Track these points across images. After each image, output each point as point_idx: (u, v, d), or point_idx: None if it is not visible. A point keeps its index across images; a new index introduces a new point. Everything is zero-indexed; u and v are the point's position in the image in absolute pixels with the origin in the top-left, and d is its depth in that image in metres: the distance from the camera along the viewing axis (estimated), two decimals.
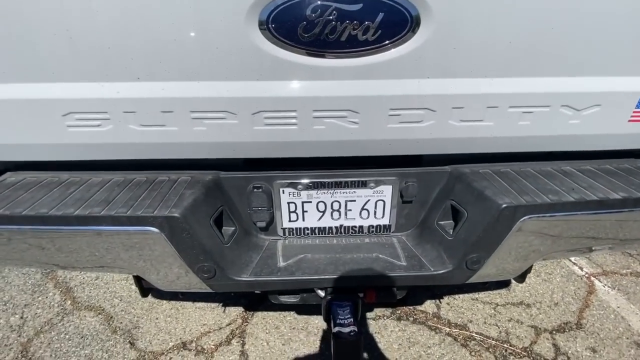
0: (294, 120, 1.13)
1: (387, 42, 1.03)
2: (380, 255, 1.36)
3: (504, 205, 1.11)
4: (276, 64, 1.03)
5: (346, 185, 1.35)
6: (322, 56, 1.04)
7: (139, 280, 1.49)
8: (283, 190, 1.35)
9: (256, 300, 2.49)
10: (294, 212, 1.41)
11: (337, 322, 1.28)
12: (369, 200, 1.39)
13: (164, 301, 2.58)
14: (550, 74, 1.10)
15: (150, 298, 2.59)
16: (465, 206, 1.26)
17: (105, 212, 1.08)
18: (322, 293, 1.43)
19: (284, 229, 1.46)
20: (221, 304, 2.51)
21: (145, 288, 1.52)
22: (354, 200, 1.39)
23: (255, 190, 1.33)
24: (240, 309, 2.45)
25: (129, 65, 1.04)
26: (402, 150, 1.23)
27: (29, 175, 1.28)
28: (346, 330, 1.26)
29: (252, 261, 1.34)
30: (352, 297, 1.37)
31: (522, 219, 1.12)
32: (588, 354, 2.08)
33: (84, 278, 2.81)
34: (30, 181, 1.25)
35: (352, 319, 1.29)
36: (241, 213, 1.40)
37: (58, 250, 1.15)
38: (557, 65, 1.09)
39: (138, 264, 1.20)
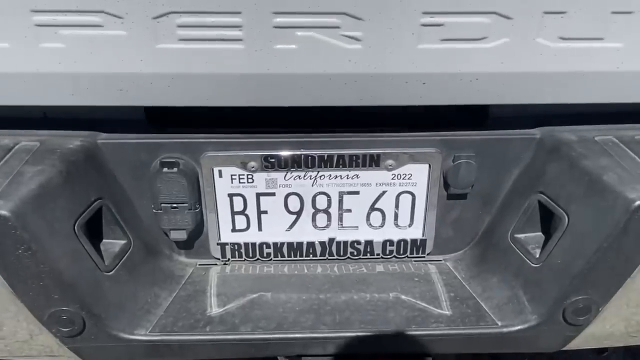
0: (236, 33, 1.08)
1: None
2: (403, 297, 1.34)
3: (639, 202, 1.08)
4: None
5: (341, 163, 1.32)
6: None
7: None
8: (220, 172, 1.33)
9: None
10: (243, 213, 1.39)
11: None
12: (384, 192, 1.37)
13: None
14: None
15: None
16: (565, 205, 1.23)
17: None
18: None
19: (222, 245, 1.43)
20: None
21: None
22: (357, 193, 1.37)
23: (165, 170, 1.29)
24: None
25: None
26: (447, 98, 1.20)
27: None
28: None
29: (159, 304, 1.31)
30: None
31: None
32: None
33: None
34: None
35: None
36: (139, 214, 1.37)
37: None
38: None
39: None
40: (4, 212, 1.03)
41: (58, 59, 1.10)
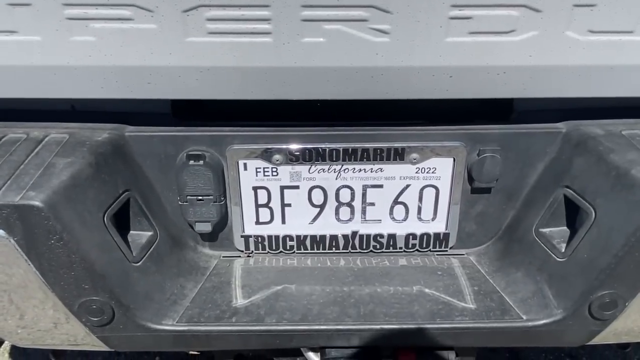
0: (265, 27, 1.10)
1: None
2: (427, 290, 1.35)
3: None
4: None
5: (365, 156, 1.34)
6: None
7: None
8: (245, 164, 1.34)
9: None
10: (267, 205, 1.40)
11: None
12: (408, 185, 1.38)
13: None
14: None
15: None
16: (592, 199, 1.23)
17: None
18: (314, 357, 1.43)
19: (246, 238, 1.45)
20: None
21: None
22: (380, 186, 1.38)
23: (192, 162, 1.31)
24: None
25: None
26: (474, 91, 1.21)
27: None
28: None
29: (185, 295, 1.34)
30: None
31: None
32: None
33: None
34: None
35: None
36: (165, 206, 1.39)
37: None
38: None
39: None
40: (36, 203, 1.06)
41: (89, 52, 1.13)
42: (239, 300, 1.33)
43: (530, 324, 1.26)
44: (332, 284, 1.38)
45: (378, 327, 1.27)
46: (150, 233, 1.35)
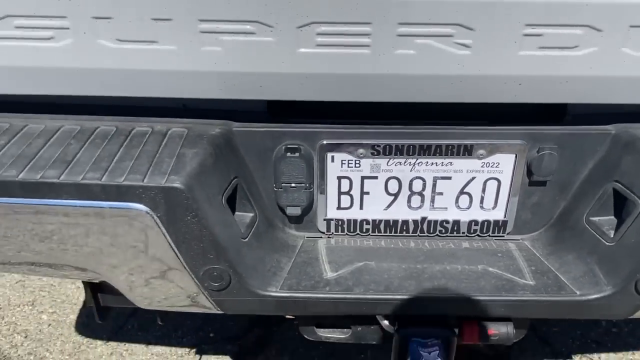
0: (365, 40, 1.26)
1: None
2: (491, 269, 1.51)
3: None
4: None
5: (438, 152, 1.50)
6: None
7: (94, 292, 1.67)
8: (332, 157, 1.51)
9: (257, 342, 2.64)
10: (348, 193, 1.57)
11: None
12: (473, 178, 1.54)
13: (99, 342, 2.79)
14: None
15: (76, 337, 2.81)
16: (639, 192, 1.38)
17: (67, 178, 1.24)
18: (389, 325, 1.59)
19: (328, 221, 1.62)
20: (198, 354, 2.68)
21: (103, 307, 1.70)
22: (449, 178, 1.54)
23: (288, 155, 1.49)
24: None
25: None
26: (539, 96, 1.37)
27: None
28: None
29: (282, 268, 1.51)
30: (442, 332, 1.53)
31: None
32: None
33: None
34: None
35: None
36: (262, 192, 1.56)
37: None
38: None
39: (108, 262, 1.38)
40: (179, 185, 1.24)
41: (215, 60, 1.30)
42: (329, 274, 1.49)
43: (583, 298, 1.41)
44: (407, 262, 1.54)
45: (453, 297, 1.43)
46: (252, 214, 1.52)
